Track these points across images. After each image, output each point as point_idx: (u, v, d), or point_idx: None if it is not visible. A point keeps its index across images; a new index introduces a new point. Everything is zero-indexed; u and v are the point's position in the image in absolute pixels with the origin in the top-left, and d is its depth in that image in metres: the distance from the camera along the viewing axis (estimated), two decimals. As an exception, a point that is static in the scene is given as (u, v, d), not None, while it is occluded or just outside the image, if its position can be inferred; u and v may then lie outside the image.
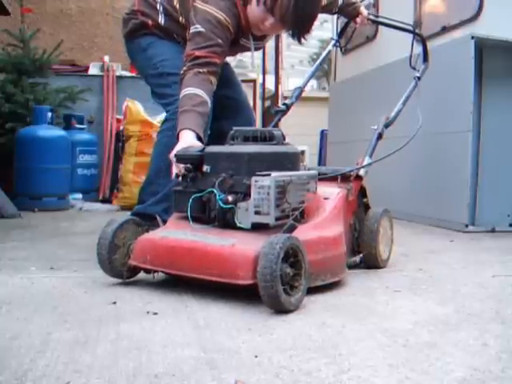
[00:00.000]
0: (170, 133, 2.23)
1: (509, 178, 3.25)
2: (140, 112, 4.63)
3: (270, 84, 8.15)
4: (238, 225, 1.70)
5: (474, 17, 3.27)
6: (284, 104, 2.57)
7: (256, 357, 1.18)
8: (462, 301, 1.68)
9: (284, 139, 1.88)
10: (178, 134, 2.00)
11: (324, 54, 2.90)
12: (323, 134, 6.29)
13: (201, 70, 2.10)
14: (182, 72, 2.13)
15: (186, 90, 2.07)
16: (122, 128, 4.84)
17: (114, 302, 1.60)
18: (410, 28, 2.82)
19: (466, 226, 3.15)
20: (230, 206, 1.70)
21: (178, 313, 1.51)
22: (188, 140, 1.96)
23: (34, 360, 1.14)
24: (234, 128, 1.89)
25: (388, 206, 2.24)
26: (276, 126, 2.55)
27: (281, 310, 1.50)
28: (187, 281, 1.72)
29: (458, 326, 1.42)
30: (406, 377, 1.08)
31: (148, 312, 1.51)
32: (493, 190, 3.21)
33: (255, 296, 1.50)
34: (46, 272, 2.01)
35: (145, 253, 1.74)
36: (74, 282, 1.86)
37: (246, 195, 1.70)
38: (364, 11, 2.77)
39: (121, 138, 4.82)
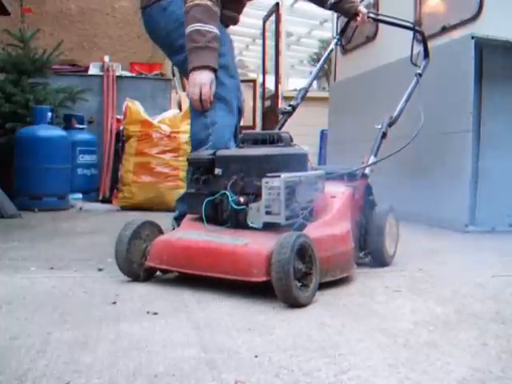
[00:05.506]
0: None
1: (509, 178, 3.25)
2: (140, 112, 4.63)
3: (270, 84, 8.15)
4: (250, 225, 1.76)
5: (474, 17, 3.27)
6: (290, 105, 2.60)
7: (256, 357, 1.18)
8: (461, 301, 1.68)
9: (291, 141, 1.95)
10: (195, 69, 2.12)
11: (326, 53, 2.90)
12: (323, 134, 6.29)
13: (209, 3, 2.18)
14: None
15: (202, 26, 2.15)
16: (122, 128, 4.84)
17: (114, 302, 1.60)
18: (410, 25, 2.83)
19: (466, 225, 3.15)
20: (242, 207, 1.77)
21: (178, 313, 1.51)
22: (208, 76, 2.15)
23: (34, 360, 1.14)
24: (244, 132, 1.98)
25: (388, 206, 2.24)
26: (281, 127, 2.57)
27: (294, 304, 1.55)
28: (203, 279, 1.75)
29: (458, 326, 1.42)
30: (406, 377, 1.08)
31: (148, 312, 1.51)
32: (493, 190, 3.21)
33: (255, 296, 1.50)
34: (46, 272, 2.01)
35: (161, 254, 1.79)
36: (74, 281, 1.86)
37: (257, 196, 1.75)
38: (363, 9, 2.78)
39: (121, 138, 4.83)
